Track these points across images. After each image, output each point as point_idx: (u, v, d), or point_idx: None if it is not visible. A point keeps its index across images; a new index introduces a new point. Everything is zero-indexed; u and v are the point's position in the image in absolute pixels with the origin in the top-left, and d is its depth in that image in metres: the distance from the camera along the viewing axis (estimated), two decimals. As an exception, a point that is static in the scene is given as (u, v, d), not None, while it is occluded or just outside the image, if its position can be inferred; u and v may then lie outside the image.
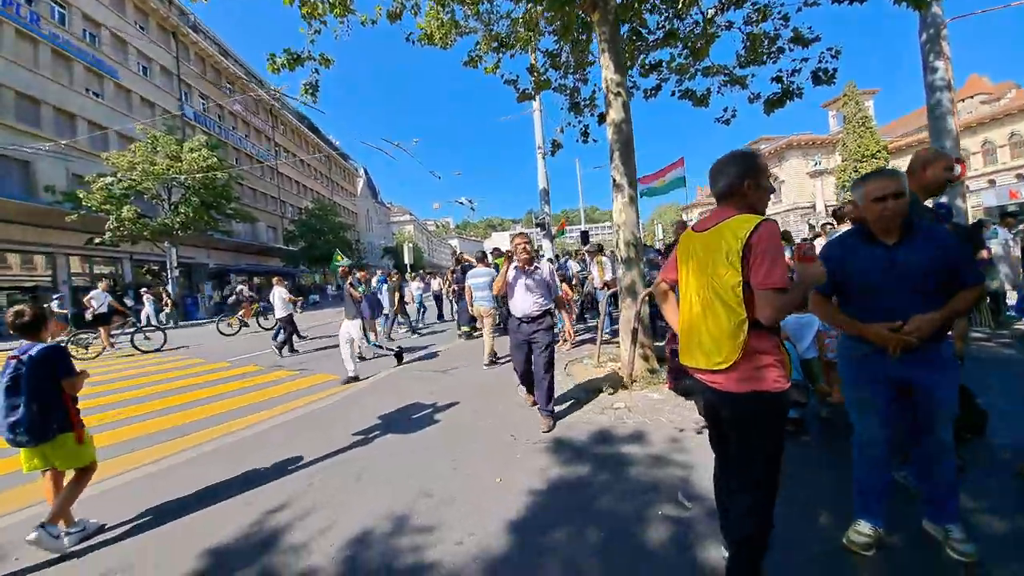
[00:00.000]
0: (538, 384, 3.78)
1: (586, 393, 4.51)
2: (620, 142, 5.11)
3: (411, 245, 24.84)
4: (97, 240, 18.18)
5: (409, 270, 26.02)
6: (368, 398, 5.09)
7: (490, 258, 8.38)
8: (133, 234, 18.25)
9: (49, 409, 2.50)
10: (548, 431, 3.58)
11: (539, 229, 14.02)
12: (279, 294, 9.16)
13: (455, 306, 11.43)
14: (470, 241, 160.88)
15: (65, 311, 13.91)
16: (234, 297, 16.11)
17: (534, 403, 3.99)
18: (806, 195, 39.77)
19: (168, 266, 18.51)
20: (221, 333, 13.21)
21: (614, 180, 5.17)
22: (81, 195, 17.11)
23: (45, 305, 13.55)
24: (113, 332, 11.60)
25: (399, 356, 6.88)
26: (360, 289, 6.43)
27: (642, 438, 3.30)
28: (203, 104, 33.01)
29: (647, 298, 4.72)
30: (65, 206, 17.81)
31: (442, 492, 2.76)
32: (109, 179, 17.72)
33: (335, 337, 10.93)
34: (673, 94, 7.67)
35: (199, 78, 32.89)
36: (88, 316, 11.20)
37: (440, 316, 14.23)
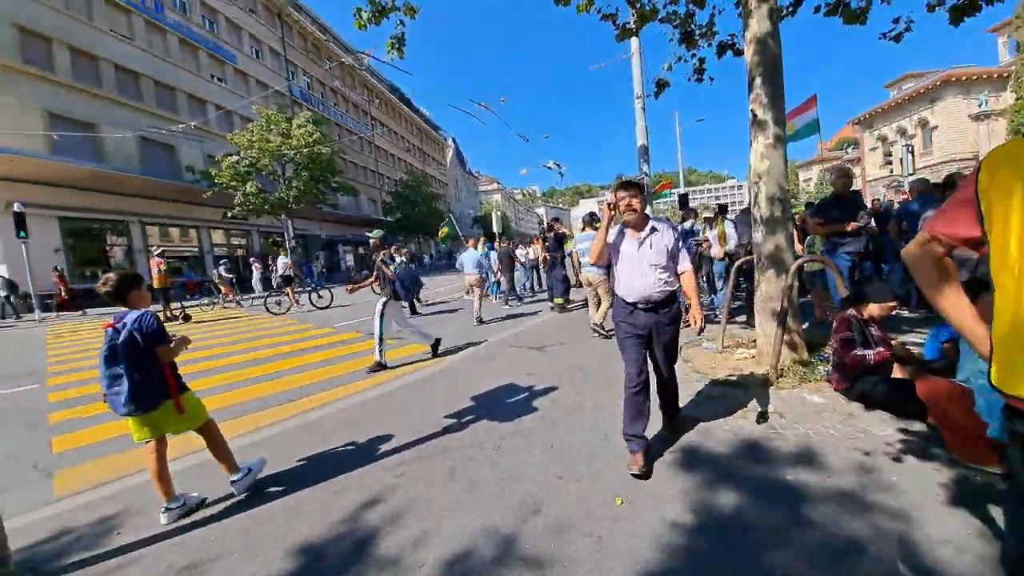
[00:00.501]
0: (660, 387, 2.93)
1: (717, 388, 3.70)
2: (764, 64, 3.97)
3: (499, 214, 24.67)
4: (228, 214, 20.53)
5: (498, 239, 25.98)
6: (460, 375, 4.78)
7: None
8: (256, 208, 20.28)
9: (149, 376, 2.42)
10: (674, 435, 2.89)
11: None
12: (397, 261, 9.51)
13: (544, 277, 11.14)
14: (557, 209, 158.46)
15: (231, 276, 16.15)
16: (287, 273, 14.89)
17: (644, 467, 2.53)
18: (967, 143, 31.71)
19: (286, 237, 20.35)
20: (270, 312, 12.05)
21: (754, 116, 4.07)
22: (213, 173, 19.28)
23: (214, 270, 15.49)
24: (296, 290, 13.80)
25: (435, 347, 5.89)
26: (393, 266, 5.65)
27: (813, 461, 2.47)
28: (307, 82, 35.31)
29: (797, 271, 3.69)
30: (202, 184, 20.23)
31: (552, 510, 2.25)
32: (233, 157, 19.70)
33: (441, 305, 11.14)
34: (818, 10, 6.03)
35: (303, 56, 35.08)
36: (274, 280, 14.05)
37: (531, 288, 13.82)
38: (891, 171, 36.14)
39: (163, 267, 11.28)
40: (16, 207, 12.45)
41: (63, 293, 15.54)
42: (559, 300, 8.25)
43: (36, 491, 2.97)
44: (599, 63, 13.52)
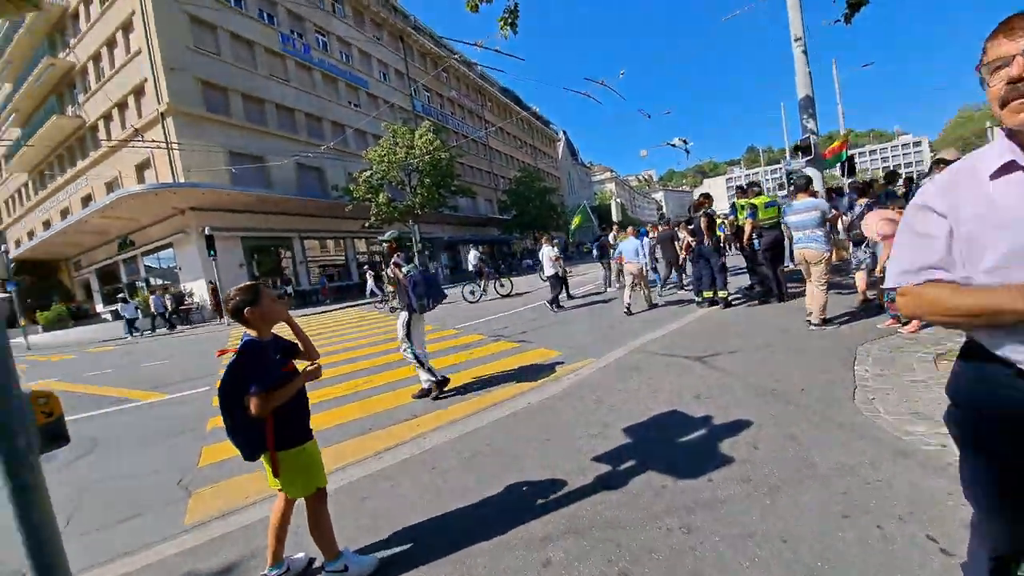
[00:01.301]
0: None
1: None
2: None
3: (619, 202, 23.10)
4: (366, 224, 22.55)
5: (617, 228, 24.34)
6: (602, 393, 3.83)
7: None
8: (388, 216, 21.93)
9: (242, 421, 1.93)
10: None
11: (799, 155, 10.26)
12: (546, 253, 9.25)
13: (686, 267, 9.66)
14: (677, 192, 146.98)
15: (484, 262, 17.07)
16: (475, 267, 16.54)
17: None
18: None
19: (414, 241, 21.60)
20: (466, 300, 13.87)
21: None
22: (351, 188, 21.32)
23: (383, 272, 17.81)
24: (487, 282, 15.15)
25: (441, 385, 4.50)
26: (406, 270, 4.45)
27: None
28: (427, 95, 37.52)
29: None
30: (344, 199, 22.53)
31: None
32: (367, 172, 21.52)
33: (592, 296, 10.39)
34: None
35: (422, 72, 37.35)
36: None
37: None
38: None
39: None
40: (206, 231, 14.97)
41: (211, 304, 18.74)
42: (722, 293, 6.70)
43: (169, 516, 2.84)
44: (734, 12, 11.23)
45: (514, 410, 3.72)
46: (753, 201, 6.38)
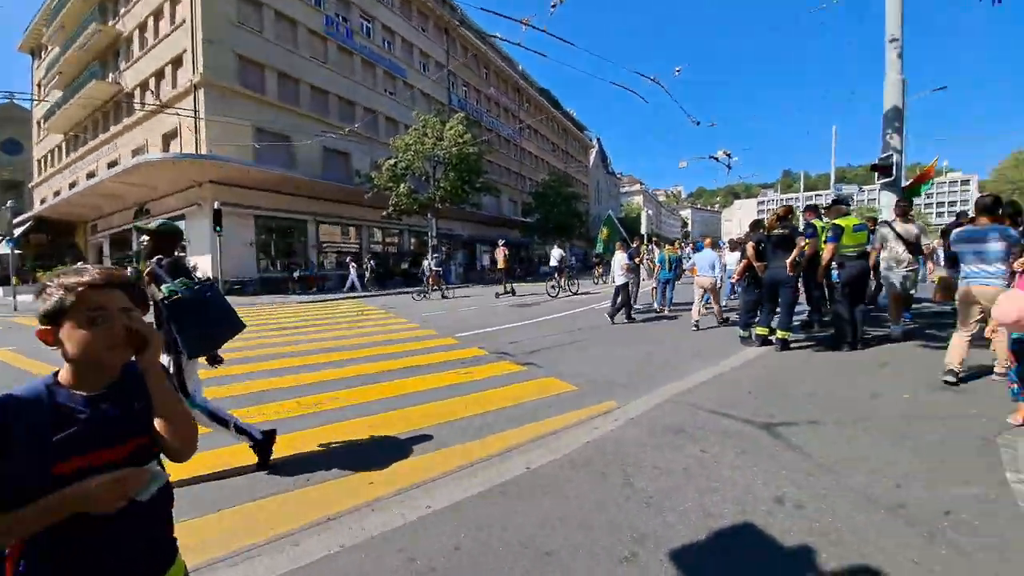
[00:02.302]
0: None
1: None
2: None
3: (649, 213, 21.79)
4: (383, 214, 21.82)
5: (645, 240, 23.09)
6: (634, 472, 2.68)
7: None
8: (407, 207, 21.13)
9: None
10: None
11: (877, 176, 8.85)
12: (618, 260, 8.82)
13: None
14: (704, 212, 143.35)
15: (440, 268, 16.99)
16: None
17: None
18: None
19: (429, 236, 20.75)
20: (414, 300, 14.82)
21: None
22: (373, 175, 20.60)
23: (424, 261, 17.09)
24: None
25: (263, 446, 2.93)
26: (167, 289, 2.52)
27: None
28: (465, 90, 36.85)
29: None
30: (364, 186, 21.84)
31: None
32: (391, 160, 20.78)
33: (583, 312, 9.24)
34: None
35: (462, 67, 36.69)
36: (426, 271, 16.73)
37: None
38: None
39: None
40: (216, 205, 14.36)
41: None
42: (782, 333, 5.38)
43: None
44: (823, 5, 9.86)
45: (502, 480, 2.62)
46: (839, 222, 5.13)
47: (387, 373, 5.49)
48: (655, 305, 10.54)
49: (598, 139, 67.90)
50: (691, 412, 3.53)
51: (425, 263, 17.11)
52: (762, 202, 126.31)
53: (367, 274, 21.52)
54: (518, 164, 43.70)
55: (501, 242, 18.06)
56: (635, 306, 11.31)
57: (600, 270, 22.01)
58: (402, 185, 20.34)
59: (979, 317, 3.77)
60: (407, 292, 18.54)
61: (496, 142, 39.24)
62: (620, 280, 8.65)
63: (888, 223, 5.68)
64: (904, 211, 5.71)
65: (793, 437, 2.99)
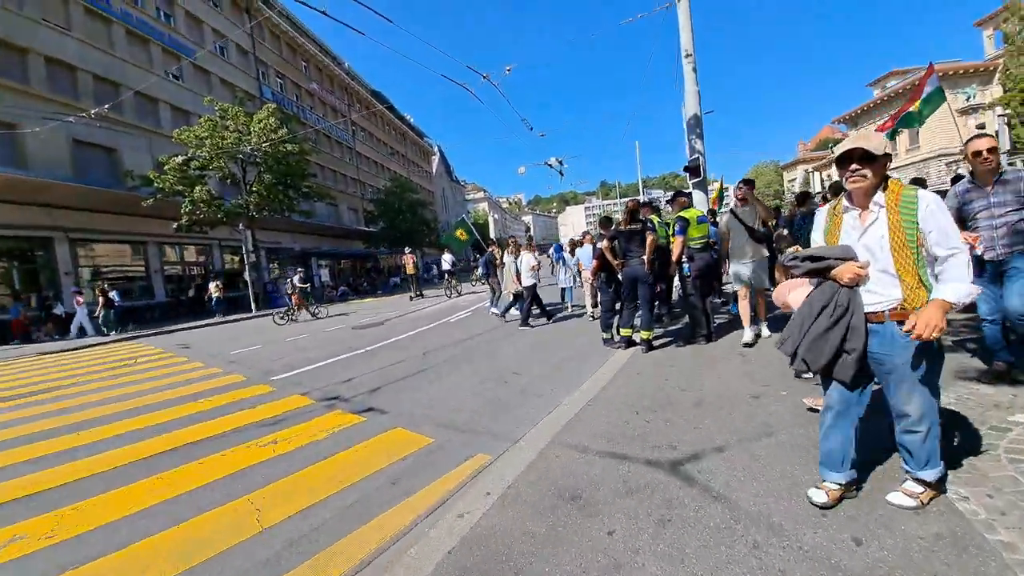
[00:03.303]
0: None
1: None
2: None
3: (496, 217, 21.88)
4: (174, 226, 17.17)
5: (495, 245, 23.10)
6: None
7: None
8: (209, 218, 16.99)
9: None
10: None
11: (687, 175, 9.81)
12: (525, 261, 8.40)
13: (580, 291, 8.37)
14: (544, 217, 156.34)
15: (306, 285, 14.85)
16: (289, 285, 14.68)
17: None
18: (954, 137, 30.70)
19: (245, 251, 17.07)
20: (276, 323, 13.02)
21: None
22: (153, 176, 15.96)
23: (287, 280, 14.19)
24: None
25: None
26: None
27: None
28: (280, 83, 32.20)
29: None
30: (141, 191, 16.87)
31: None
32: (179, 158, 16.42)
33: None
34: None
35: (275, 56, 32.01)
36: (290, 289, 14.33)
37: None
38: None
39: None
40: None
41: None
42: (645, 333, 5.10)
43: None
44: (631, 17, 10.43)
45: None
46: (683, 215, 5.03)
47: (137, 465, 3.51)
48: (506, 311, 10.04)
49: (439, 147, 67.46)
50: (583, 461, 2.69)
51: (289, 280, 14.78)
52: (588, 208, 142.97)
53: (100, 312, 14.77)
54: (355, 170, 40.25)
55: (407, 251, 18.75)
56: (494, 310, 10.68)
57: (478, 272, 21.57)
58: (197, 189, 16.18)
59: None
60: (225, 321, 14.81)
61: (326, 144, 35.39)
62: (528, 281, 8.30)
63: (732, 211, 5.00)
64: (744, 197, 4.87)
65: (710, 479, 2.35)
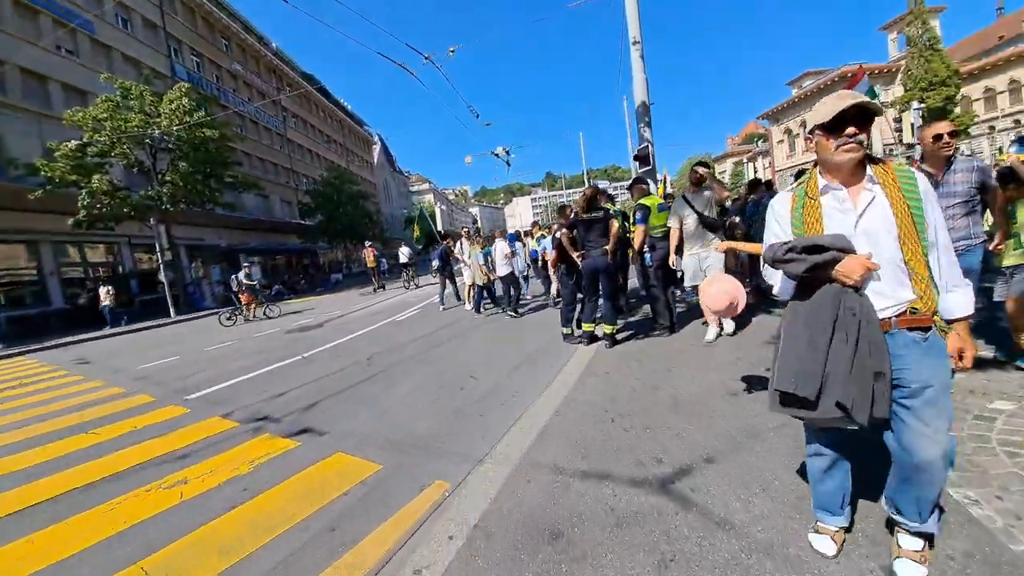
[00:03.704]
0: None
1: None
2: None
3: (442, 208, 21.25)
4: (70, 221, 14.89)
5: (440, 238, 22.46)
6: None
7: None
8: (113, 212, 14.91)
9: None
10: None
11: (637, 164, 9.75)
12: (500, 248, 8.03)
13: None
14: (491, 208, 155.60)
15: (254, 282, 13.79)
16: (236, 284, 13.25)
17: None
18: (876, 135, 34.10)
19: (158, 248, 15.19)
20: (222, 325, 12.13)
21: None
22: (40, 164, 13.69)
23: (233, 276, 13.02)
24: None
25: None
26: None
27: None
28: (196, 62, 29.12)
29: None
30: (27, 181, 14.47)
31: None
32: (73, 143, 14.20)
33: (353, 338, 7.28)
34: None
35: (190, 32, 28.87)
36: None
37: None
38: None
39: None
40: None
41: None
42: (608, 327, 4.81)
43: None
44: (579, 1, 10.10)
45: None
46: (644, 202, 4.80)
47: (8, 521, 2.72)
48: (467, 305, 9.57)
49: (380, 136, 64.58)
50: (560, 485, 2.33)
51: (235, 276, 13.63)
52: (535, 199, 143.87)
53: None
54: (287, 158, 37.46)
55: (368, 244, 19.22)
56: (443, 305, 10.14)
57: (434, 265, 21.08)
58: (96, 179, 14.08)
59: None
60: (168, 323, 13.08)
61: (253, 130, 32.60)
62: (504, 270, 7.95)
63: (684, 196, 4.51)
64: (699, 178, 4.48)
65: (708, 499, 2.07)
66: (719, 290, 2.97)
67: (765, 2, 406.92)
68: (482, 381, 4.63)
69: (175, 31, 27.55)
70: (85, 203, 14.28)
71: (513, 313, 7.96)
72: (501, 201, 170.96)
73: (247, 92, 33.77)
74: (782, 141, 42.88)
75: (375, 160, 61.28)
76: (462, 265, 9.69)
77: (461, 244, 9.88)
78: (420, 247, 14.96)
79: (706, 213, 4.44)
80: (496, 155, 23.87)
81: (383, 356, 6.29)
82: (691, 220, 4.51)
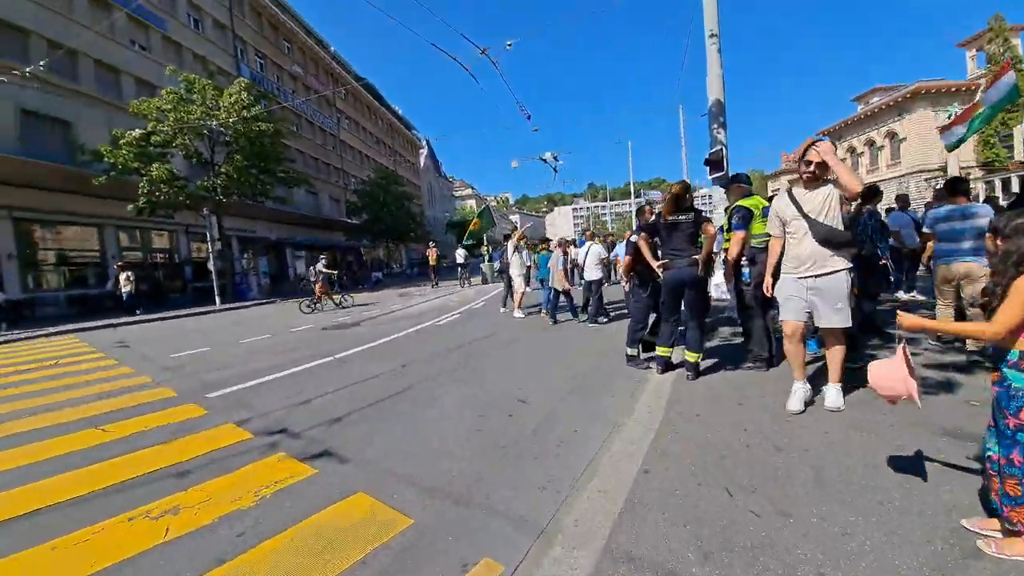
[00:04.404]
0: None
1: None
2: None
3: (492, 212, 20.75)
4: (129, 207, 15.44)
5: (484, 243, 22.09)
6: None
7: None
8: (169, 200, 15.32)
9: None
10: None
11: (707, 169, 8.75)
12: (595, 251, 7.81)
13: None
14: (532, 216, 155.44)
15: (332, 271, 13.99)
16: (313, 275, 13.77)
17: None
18: (934, 154, 30.88)
19: (209, 238, 15.48)
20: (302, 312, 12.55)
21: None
22: (105, 151, 14.21)
23: (311, 267, 13.33)
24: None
25: None
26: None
27: None
28: (260, 63, 30.34)
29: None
30: (93, 167, 15.10)
31: None
32: (137, 132, 14.71)
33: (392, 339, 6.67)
34: None
35: (255, 34, 30.14)
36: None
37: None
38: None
39: None
40: None
41: None
42: (692, 355, 3.91)
43: None
44: None
45: None
46: (743, 203, 3.91)
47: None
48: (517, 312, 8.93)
49: (427, 141, 65.66)
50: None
51: (313, 268, 13.92)
52: (576, 209, 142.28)
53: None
54: (339, 158, 38.46)
55: (431, 244, 21.07)
56: (504, 308, 9.51)
57: (495, 266, 21.50)
58: (156, 167, 14.50)
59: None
60: (190, 314, 13.26)
61: (308, 130, 33.65)
62: (596, 275, 7.71)
63: (790, 192, 3.17)
64: (822, 164, 2.95)
65: None
66: (883, 385, 2.03)
67: (821, 17, 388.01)
68: (533, 405, 3.88)
69: (242, 32, 28.81)
70: (145, 190, 14.73)
71: (594, 322, 7.72)
72: (544, 210, 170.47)
73: (305, 94, 34.91)
74: (845, 159, 40.18)
75: (421, 164, 62.30)
76: (510, 269, 9.03)
77: (507, 247, 9.24)
78: (471, 243, 14.46)
79: (822, 220, 2.98)
80: (544, 160, 23.16)
81: (419, 366, 5.65)
82: (799, 228, 3.08)
